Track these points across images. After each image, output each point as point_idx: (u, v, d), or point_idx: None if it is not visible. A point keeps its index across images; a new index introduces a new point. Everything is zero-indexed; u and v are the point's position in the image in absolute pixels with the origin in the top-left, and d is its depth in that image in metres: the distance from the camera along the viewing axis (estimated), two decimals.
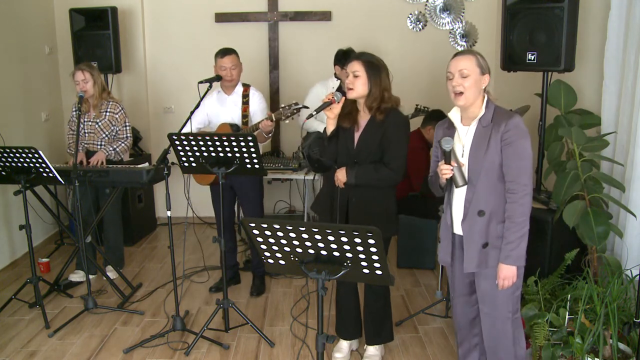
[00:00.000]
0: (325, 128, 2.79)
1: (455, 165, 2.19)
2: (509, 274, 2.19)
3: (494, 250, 2.23)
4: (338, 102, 2.65)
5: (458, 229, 2.31)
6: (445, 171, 2.18)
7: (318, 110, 2.66)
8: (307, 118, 2.72)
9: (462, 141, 2.25)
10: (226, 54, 3.58)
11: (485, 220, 2.21)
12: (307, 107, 3.66)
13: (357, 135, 2.73)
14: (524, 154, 2.15)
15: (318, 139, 4.03)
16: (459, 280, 2.41)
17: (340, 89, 4.11)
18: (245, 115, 3.65)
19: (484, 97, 2.23)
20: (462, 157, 2.24)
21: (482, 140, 2.19)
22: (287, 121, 3.42)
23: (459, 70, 2.18)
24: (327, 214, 2.85)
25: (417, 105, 4.50)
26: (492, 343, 2.35)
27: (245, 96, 3.68)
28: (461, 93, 2.18)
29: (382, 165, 2.66)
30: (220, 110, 3.70)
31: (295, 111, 3.35)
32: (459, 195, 2.28)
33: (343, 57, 4.07)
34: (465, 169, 2.22)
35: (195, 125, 3.80)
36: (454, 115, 2.32)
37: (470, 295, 2.42)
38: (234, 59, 3.60)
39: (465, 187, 2.22)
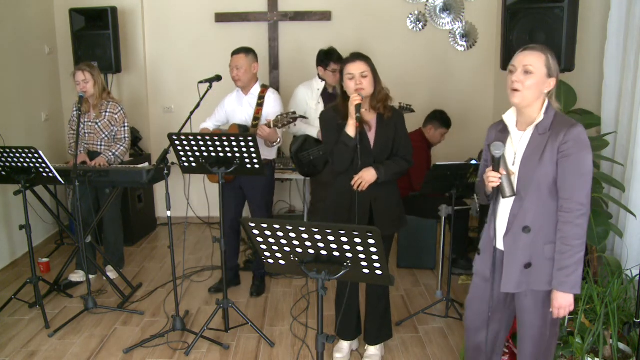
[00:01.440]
0: (331, 133, 2.77)
1: (504, 173, 1.99)
2: (564, 302, 1.97)
3: (538, 271, 2.02)
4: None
5: (500, 244, 2.10)
6: (493, 179, 1.98)
7: (358, 112, 2.57)
8: (358, 121, 2.57)
9: (515, 147, 2.05)
10: (234, 53, 3.61)
11: (531, 238, 2.00)
12: (304, 117, 3.65)
13: (371, 135, 2.73)
14: (584, 170, 1.92)
15: (305, 142, 4.03)
16: (496, 296, 2.18)
17: (325, 91, 4.12)
18: (257, 117, 3.61)
19: (544, 101, 2.01)
20: (513, 165, 2.04)
21: (537, 149, 1.97)
22: (283, 129, 3.42)
23: (523, 65, 1.96)
24: (344, 220, 2.76)
25: (400, 103, 4.49)
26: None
27: (261, 97, 3.64)
28: (518, 90, 1.97)
29: (399, 159, 2.78)
30: (237, 109, 3.71)
31: (291, 120, 3.33)
32: (505, 207, 2.07)
33: (326, 58, 4.04)
34: (515, 179, 2.02)
35: (213, 122, 3.81)
36: (509, 117, 2.09)
37: (502, 312, 2.23)
38: (240, 58, 3.58)
39: (513, 198, 2.02)
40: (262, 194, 3.72)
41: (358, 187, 2.68)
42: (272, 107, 3.64)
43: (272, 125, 3.37)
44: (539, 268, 2.02)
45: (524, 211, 2.01)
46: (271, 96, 3.66)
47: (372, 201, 2.75)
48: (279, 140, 3.57)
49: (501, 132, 2.13)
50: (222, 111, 3.77)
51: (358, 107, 2.58)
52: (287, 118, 3.33)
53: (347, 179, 2.71)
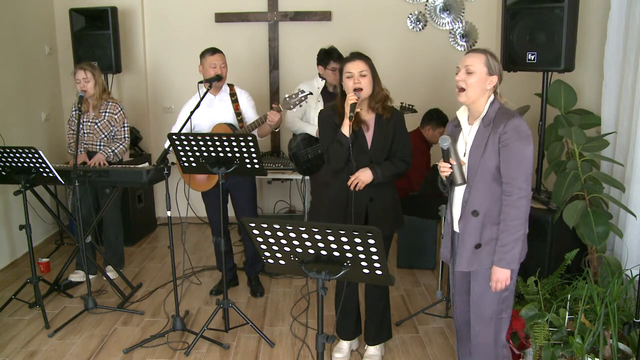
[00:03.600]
0: (327, 131, 2.77)
1: (455, 163, 2.19)
2: (502, 276, 2.17)
3: (487, 252, 2.21)
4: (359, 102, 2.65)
5: (456, 227, 2.30)
6: (443, 169, 2.20)
7: (352, 111, 2.58)
8: (350, 120, 2.59)
9: (466, 140, 2.25)
10: (216, 51, 3.57)
11: (480, 221, 2.20)
12: (312, 94, 3.66)
13: (368, 135, 2.73)
14: (521, 157, 2.10)
15: (304, 140, 4.03)
16: (458, 278, 2.40)
17: (325, 90, 4.12)
18: (238, 113, 3.64)
19: (489, 97, 2.20)
20: (464, 155, 2.23)
21: (481, 140, 2.17)
22: (294, 109, 3.42)
23: (465, 65, 2.17)
24: (340, 219, 2.77)
25: (401, 103, 4.50)
26: (475, 342, 2.35)
27: (233, 95, 3.67)
28: (463, 89, 2.17)
29: (398, 160, 2.75)
30: (207, 111, 3.60)
31: (303, 98, 3.36)
32: (459, 194, 2.27)
33: (325, 57, 4.06)
34: (465, 168, 2.22)
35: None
36: (461, 113, 2.30)
37: (467, 294, 2.39)
38: (223, 57, 3.59)
39: (465, 186, 2.22)
40: (248, 191, 3.72)
41: (355, 187, 2.68)
42: (248, 102, 3.70)
43: (282, 108, 3.38)
44: (487, 248, 2.21)
45: (472, 197, 2.21)
46: (242, 92, 3.71)
47: (368, 201, 2.74)
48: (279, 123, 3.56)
49: (456, 127, 2.34)
50: (184, 120, 3.67)
51: (353, 107, 2.59)
52: (298, 97, 3.36)
53: (344, 179, 2.72)
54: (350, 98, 2.59)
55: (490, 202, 2.18)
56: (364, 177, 2.67)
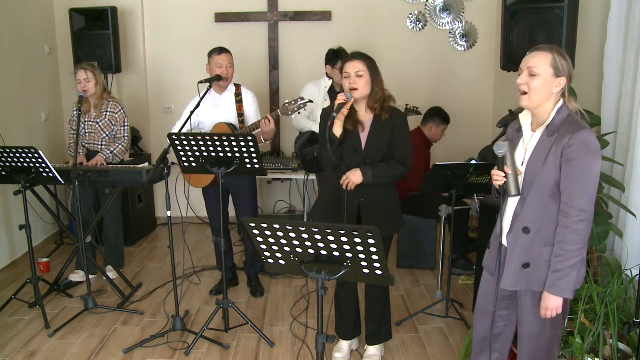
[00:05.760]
0: (324, 128, 2.78)
1: (510, 172, 1.99)
2: (553, 304, 1.96)
3: (537, 273, 2.01)
4: (349, 102, 2.64)
5: (505, 241, 2.11)
6: (497, 177, 2.01)
7: (337, 111, 2.60)
8: (331, 122, 2.61)
9: (526, 147, 2.04)
10: (223, 51, 3.58)
11: (530, 239, 2.00)
12: (312, 102, 3.67)
13: (363, 136, 2.72)
14: (586, 175, 1.87)
15: (310, 138, 4.05)
16: (502, 292, 2.17)
17: (332, 89, 4.13)
18: (241, 114, 3.64)
19: (557, 101, 1.97)
20: (522, 165, 2.03)
21: (543, 151, 1.95)
22: (293, 115, 3.42)
23: (528, 67, 1.96)
24: (332, 218, 2.79)
25: (407, 105, 4.51)
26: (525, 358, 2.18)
27: (238, 95, 3.67)
28: (525, 93, 1.96)
29: (395, 162, 2.70)
30: (211, 110, 3.62)
31: (302, 106, 3.35)
32: (511, 206, 2.08)
33: (334, 57, 4.07)
34: (521, 179, 2.01)
35: (187, 127, 3.76)
36: (524, 117, 2.09)
37: (503, 310, 2.22)
38: (230, 57, 3.59)
39: (518, 198, 2.02)
40: (248, 191, 3.71)
41: (347, 186, 2.69)
42: (252, 104, 3.68)
43: (280, 114, 3.36)
44: (537, 269, 2.01)
45: (524, 212, 2.01)
46: (248, 93, 3.70)
47: (360, 202, 2.74)
48: (272, 136, 3.54)
49: (517, 131, 2.13)
50: (194, 115, 3.68)
51: (340, 107, 2.59)
52: (297, 104, 3.34)
53: (337, 178, 2.73)
54: (339, 98, 2.60)
55: (544, 220, 1.97)
56: (353, 177, 2.66)
